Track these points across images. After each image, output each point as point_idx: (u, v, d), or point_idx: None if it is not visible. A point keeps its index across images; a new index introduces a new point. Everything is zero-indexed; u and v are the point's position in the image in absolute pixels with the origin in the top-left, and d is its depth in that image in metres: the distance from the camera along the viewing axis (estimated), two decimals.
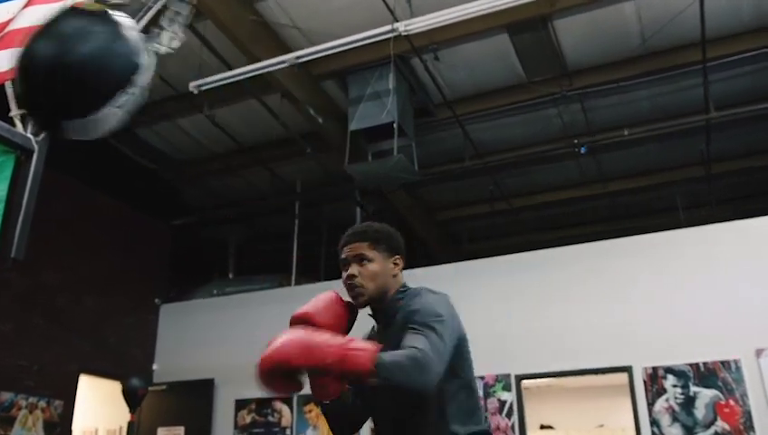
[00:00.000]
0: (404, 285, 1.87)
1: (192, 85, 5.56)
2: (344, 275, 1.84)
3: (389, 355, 1.47)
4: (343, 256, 1.84)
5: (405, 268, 1.93)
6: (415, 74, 6.15)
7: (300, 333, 1.49)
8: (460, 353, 1.71)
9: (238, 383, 6.70)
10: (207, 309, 7.48)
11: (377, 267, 1.81)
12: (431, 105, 6.51)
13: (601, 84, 6.13)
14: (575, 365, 5.59)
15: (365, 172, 6.13)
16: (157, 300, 7.61)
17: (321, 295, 1.78)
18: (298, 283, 7.54)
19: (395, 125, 5.66)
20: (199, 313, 7.48)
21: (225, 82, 5.50)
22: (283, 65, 5.31)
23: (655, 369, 5.27)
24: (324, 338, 1.48)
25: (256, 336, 8.53)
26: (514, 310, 5.98)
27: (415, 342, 1.54)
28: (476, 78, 6.28)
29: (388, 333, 1.75)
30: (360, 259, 1.82)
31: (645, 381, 5.26)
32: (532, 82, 6.16)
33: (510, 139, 7.08)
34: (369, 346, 1.47)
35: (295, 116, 6.40)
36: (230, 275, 8.81)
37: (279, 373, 1.46)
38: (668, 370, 5.23)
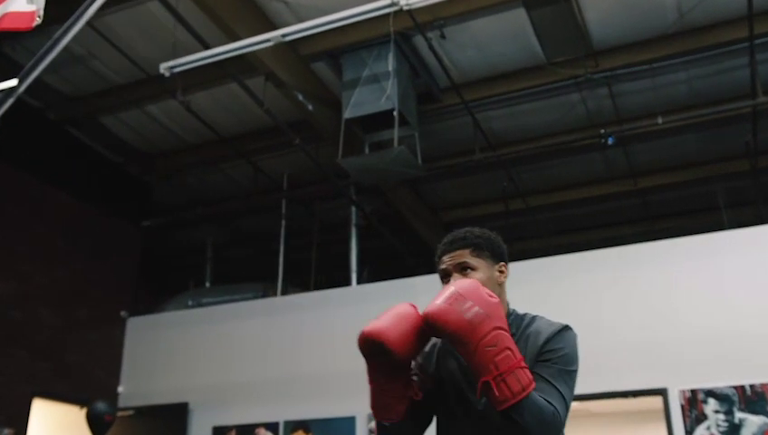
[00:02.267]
0: (509, 306, 1.93)
1: (163, 67, 5.52)
2: None
3: (537, 397, 1.62)
4: (443, 266, 1.90)
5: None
6: (418, 54, 6.14)
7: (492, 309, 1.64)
8: None
9: (216, 408, 6.67)
10: (181, 323, 7.46)
11: (482, 276, 1.86)
12: (436, 90, 6.50)
13: (632, 65, 6.12)
14: (602, 387, 5.55)
15: (361, 166, 6.12)
16: (123, 313, 7.58)
17: (397, 308, 1.79)
18: (285, 292, 7.52)
19: (395, 112, 5.65)
20: (172, 327, 7.46)
21: (201, 63, 5.47)
22: (267, 44, 5.29)
23: (694, 392, 5.23)
24: (508, 336, 1.64)
25: (237, 354, 8.56)
26: None
27: (552, 397, 1.67)
28: (488, 58, 6.26)
29: None
30: (464, 268, 1.87)
31: (682, 406, 5.23)
32: (552, 63, 6.14)
33: (527, 128, 7.07)
34: (531, 375, 1.62)
35: (282, 102, 6.38)
36: (207, 284, 8.80)
37: (442, 333, 1.63)
38: (709, 393, 5.19)
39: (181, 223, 8.58)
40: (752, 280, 5.42)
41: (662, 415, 5.32)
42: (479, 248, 1.89)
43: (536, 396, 1.61)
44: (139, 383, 7.27)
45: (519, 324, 1.86)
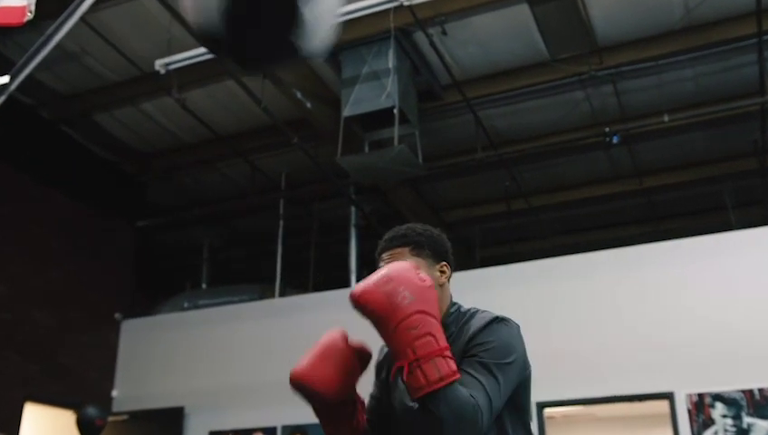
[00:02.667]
0: (454, 302, 1.88)
1: (159, 64, 5.52)
2: None
3: (458, 389, 1.54)
4: (381, 264, 1.84)
5: None
6: (419, 51, 6.13)
7: (417, 288, 1.59)
8: (525, 389, 1.77)
9: (213, 412, 6.67)
10: (177, 325, 7.45)
11: None
12: (438, 87, 6.49)
13: (637, 62, 6.10)
14: (607, 391, 5.55)
15: (361, 165, 6.11)
16: (117, 315, 7.57)
17: (321, 342, 1.79)
18: (283, 294, 7.52)
19: (395, 110, 5.65)
20: (167, 329, 7.45)
21: (197, 59, 5.46)
22: None
23: (701, 396, 5.22)
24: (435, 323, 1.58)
25: (234, 357, 8.55)
26: (535, 327, 5.91)
27: (475, 390, 1.59)
28: (491, 55, 6.25)
29: None
30: None
31: (689, 410, 5.22)
32: (556, 59, 6.13)
33: (530, 126, 7.06)
34: (454, 366, 1.55)
35: (280, 100, 6.37)
36: (204, 286, 8.80)
37: (366, 312, 1.58)
38: (717, 397, 5.18)
39: (177, 223, 8.58)
40: (760, 282, 5.41)
41: (668, 420, 5.32)
42: (419, 247, 1.84)
43: (457, 388, 1.53)
44: (134, 387, 7.27)
45: (459, 321, 1.81)
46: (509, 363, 1.68)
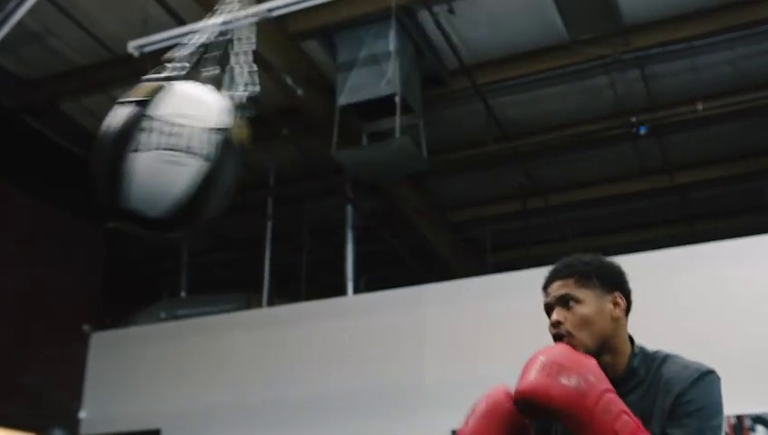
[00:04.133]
0: (635, 344, 1.89)
1: (133, 46, 5.50)
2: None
3: None
4: (546, 300, 1.90)
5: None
6: (423, 32, 6.14)
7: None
8: None
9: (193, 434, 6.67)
10: (153, 338, 7.45)
11: (589, 310, 1.82)
12: (444, 72, 6.50)
13: (668, 44, 6.10)
14: None
15: (358, 160, 6.13)
16: (86, 327, 7.56)
17: (483, 404, 1.88)
18: (272, 303, 7.52)
19: (397, 98, 5.65)
20: (142, 343, 7.45)
21: (176, 41, 5.44)
22: (251, 20, 5.26)
23: (739, 418, 5.23)
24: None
25: (217, 374, 8.52)
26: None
27: None
28: (503, 37, 6.26)
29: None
30: (566, 301, 1.84)
31: (726, 433, 5.21)
32: (576, 41, 6.13)
33: (547, 116, 7.07)
34: None
35: (267, 86, 6.29)
36: (183, 294, 8.81)
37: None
38: (758, 419, 5.19)
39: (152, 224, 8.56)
40: None
41: None
42: (585, 277, 1.84)
43: None
44: (105, 407, 7.26)
45: (649, 367, 1.82)
46: (720, 426, 1.74)
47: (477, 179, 8.07)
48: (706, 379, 1.78)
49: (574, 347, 1.79)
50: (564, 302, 1.83)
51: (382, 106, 5.79)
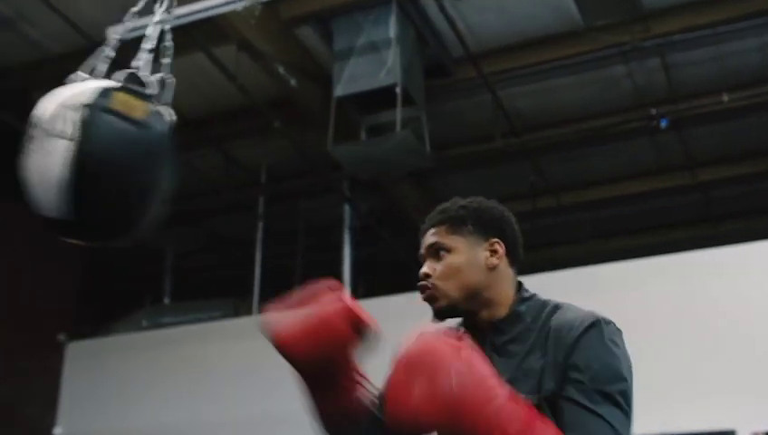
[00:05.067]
0: (523, 291, 1.81)
1: (111, 32, 5.47)
2: None
3: None
4: (421, 250, 1.83)
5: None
6: (426, 17, 6.12)
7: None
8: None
9: None
10: (134, 348, 7.45)
11: (458, 259, 1.75)
12: (449, 61, 6.50)
13: (691, 30, 6.09)
14: (657, 428, 5.52)
15: (356, 155, 6.14)
16: (61, 336, 7.56)
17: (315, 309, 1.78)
18: (263, 310, 7.49)
19: (398, 89, 5.65)
20: (123, 353, 7.44)
21: (159, 27, 5.43)
22: (241, 4, 5.26)
23: None
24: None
25: (203, 386, 8.49)
26: None
27: (597, 430, 1.51)
28: (512, 22, 6.25)
29: (495, 363, 1.63)
30: (437, 251, 1.78)
31: None
32: (591, 27, 6.13)
33: (560, 108, 7.07)
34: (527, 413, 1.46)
35: (259, 76, 6.37)
36: (167, 301, 8.82)
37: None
38: None
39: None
40: None
41: None
42: (458, 222, 1.79)
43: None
44: (82, 423, 7.25)
45: (539, 314, 1.72)
46: (625, 386, 1.61)
47: (484, 177, 8.06)
48: (598, 328, 1.63)
49: (437, 299, 1.73)
50: (435, 252, 1.77)
51: (382, 97, 5.79)
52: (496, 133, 6.74)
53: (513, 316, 1.73)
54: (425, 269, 1.77)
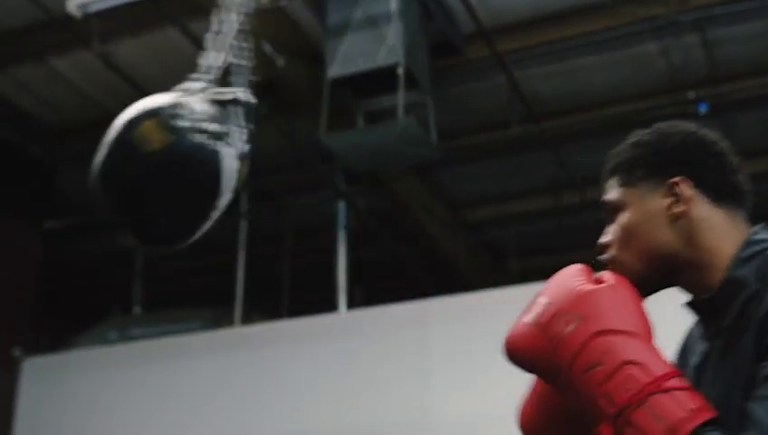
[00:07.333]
0: (752, 239, 1.45)
1: (74, 4, 5.52)
2: None
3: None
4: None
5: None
6: None
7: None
8: None
9: None
10: (100, 364, 7.45)
11: (632, 217, 1.51)
12: (458, 38, 6.51)
13: (733, 2, 6.10)
14: None
15: (353, 145, 6.16)
16: (16, 351, 7.57)
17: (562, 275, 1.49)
18: (247, 321, 7.53)
19: (400, 70, 5.65)
20: (87, 370, 7.45)
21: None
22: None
23: None
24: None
25: (179, 406, 8.52)
26: None
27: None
28: None
29: (727, 354, 1.41)
30: (612, 212, 1.56)
31: None
32: None
33: (584, 91, 7.09)
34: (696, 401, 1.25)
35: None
36: (136, 310, 8.81)
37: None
38: None
39: (100, 225, 8.57)
40: None
41: None
42: (629, 167, 1.54)
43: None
44: None
45: (753, 296, 1.35)
46: None
47: (498, 170, 8.07)
48: None
49: (623, 276, 1.46)
50: (611, 214, 1.56)
51: (381, 79, 5.81)
52: (512, 120, 6.73)
53: (730, 286, 1.40)
54: (602, 238, 1.57)
